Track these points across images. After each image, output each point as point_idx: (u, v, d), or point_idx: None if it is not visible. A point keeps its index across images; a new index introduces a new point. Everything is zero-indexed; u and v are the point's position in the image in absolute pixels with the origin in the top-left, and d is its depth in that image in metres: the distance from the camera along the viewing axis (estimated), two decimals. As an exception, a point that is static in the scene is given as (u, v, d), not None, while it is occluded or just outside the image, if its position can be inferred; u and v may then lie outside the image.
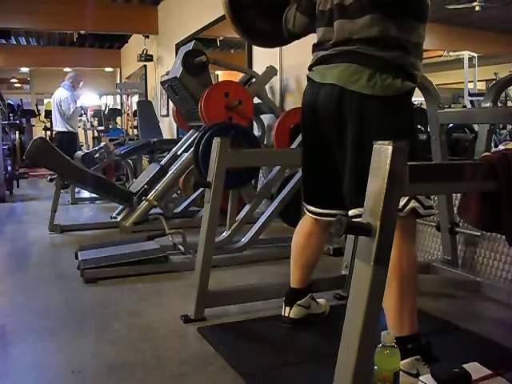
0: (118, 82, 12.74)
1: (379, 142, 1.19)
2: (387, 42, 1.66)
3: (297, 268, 2.10)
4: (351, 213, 1.70)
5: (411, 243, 1.64)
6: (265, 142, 4.68)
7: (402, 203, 1.58)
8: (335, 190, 1.80)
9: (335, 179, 1.79)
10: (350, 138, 1.70)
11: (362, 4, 1.67)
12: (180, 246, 3.17)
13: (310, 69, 1.90)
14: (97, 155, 6.49)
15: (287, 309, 2.10)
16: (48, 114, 11.08)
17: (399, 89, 1.66)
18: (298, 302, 2.09)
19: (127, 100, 11.69)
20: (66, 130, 7.30)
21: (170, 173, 4.33)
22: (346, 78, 1.69)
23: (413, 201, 1.60)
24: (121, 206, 4.60)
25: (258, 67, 4.85)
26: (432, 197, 2.76)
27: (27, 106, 11.79)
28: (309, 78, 1.89)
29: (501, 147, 2.63)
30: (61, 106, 7.25)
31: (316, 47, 1.91)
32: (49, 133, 10.78)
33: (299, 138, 3.36)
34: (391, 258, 1.44)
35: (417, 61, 1.73)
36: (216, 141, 2.17)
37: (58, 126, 7.37)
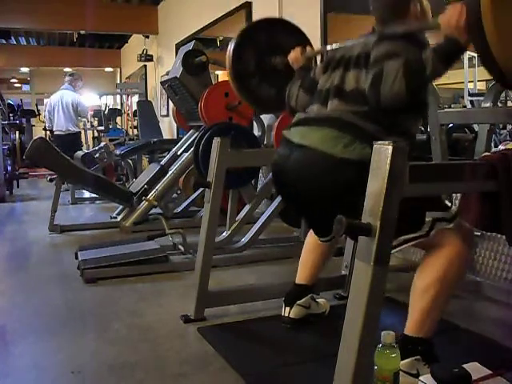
0: (118, 82, 12.74)
1: (379, 142, 1.19)
2: (378, 122, 1.63)
3: (305, 265, 2.16)
4: None
5: (459, 254, 1.59)
6: (265, 142, 4.67)
7: (426, 229, 1.57)
8: (324, 223, 1.85)
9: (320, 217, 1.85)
10: (323, 200, 1.69)
11: (363, 95, 1.64)
12: (180, 246, 3.17)
13: (288, 128, 1.87)
14: (97, 155, 6.48)
15: (287, 309, 2.10)
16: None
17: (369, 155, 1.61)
18: (298, 302, 2.10)
19: (127, 100, 11.68)
20: (76, 130, 7.51)
21: (170, 173, 4.33)
22: (325, 141, 1.64)
23: (437, 223, 1.58)
24: (121, 206, 4.60)
25: (258, 67, 4.84)
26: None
27: (27, 105, 11.80)
28: (284, 138, 1.84)
29: (501, 147, 2.62)
30: (73, 107, 7.36)
31: (301, 111, 1.94)
32: (49, 133, 10.79)
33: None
34: (438, 264, 1.55)
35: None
36: (216, 141, 2.17)
37: (68, 127, 7.42)
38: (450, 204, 1.67)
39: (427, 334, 1.59)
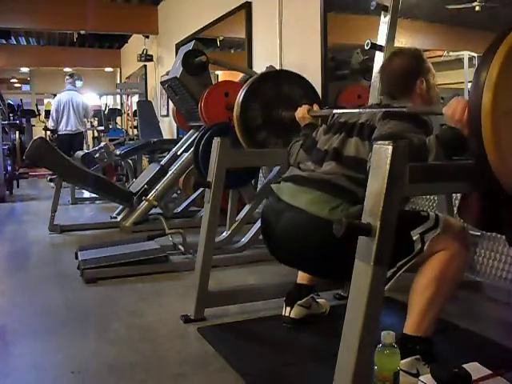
0: (118, 82, 12.74)
1: (379, 142, 1.19)
2: (357, 179, 1.65)
3: None
4: None
5: (457, 254, 1.60)
6: (265, 142, 4.67)
7: (418, 247, 1.58)
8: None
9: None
10: (311, 258, 1.72)
11: (361, 165, 1.62)
12: (180, 246, 3.17)
13: (278, 182, 1.89)
14: (97, 155, 6.48)
15: (288, 309, 2.10)
16: (48, 114, 11.09)
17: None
18: (299, 302, 2.10)
19: (127, 100, 11.69)
20: (83, 129, 7.85)
21: (170, 173, 4.33)
22: (315, 205, 1.65)
23: (424, 236, 1.58)
24: (121, 206, 4.60)
25: (258, 67, 4.84)
26: (432, 197, 2.76)
27: (27, 105, 11.79)
28: (272, 191, 1.85)
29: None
30: (83, 108, 7.68)
31: (295, 164, 2.00)
32: (49, 133, 10.79)
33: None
34: (436, 264, 1.56)
35: None
36: (216, 141, 2.17)
37: (78, 127, 7.66)
38: (426, 212, 1.66)
39: (426, 333, 1.60)
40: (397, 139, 1.48)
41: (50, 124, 7.86)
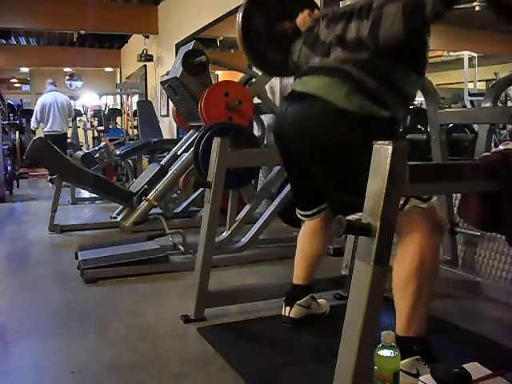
0: (118, 82, 12.74)
1: (379, 142, 1.19)
2: (378, 76, 1.65)
3: (300, 264, 2.14)
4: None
5: (430, 241, 1.57)
6: (265, 142, 4.67)
7: (400, 202, 1.54)
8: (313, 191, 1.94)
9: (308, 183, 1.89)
10: (319, 148, 1.72)
11: (362, 42, 1.68)
12: (180, 246, 3.17)
13: (294, 80, 1.92)
14: (97, 155, 6.48)
15: (287, 308, 2.10)
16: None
17: (373, 112, 1.63)
18: (298, 302, 2.10)
19: (127, 100, 11.69)
20: (66, 130, 7.94)
21: (170, 173, 4.33)
22: (326, 89, 1.68)
23: (411, 199, 1.58)
24: (121, 206, 4.60)
25: (258, 67, 4.84)
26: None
27: (27, 106, 11.79)
28: (288, 92, 1.88)
29: (501, 147, 2.62)
30: (68, 108, 7.82)
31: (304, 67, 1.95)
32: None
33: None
34: (411, 256, 1.54)
35: (401, 109, 1.73)
36: (216, 141, 2.17)
37: (63, 127, 7.80)
38: None
39: (418, 332, 1.57)
40: (392, 1, 1.56)
41: (33, 125, 7.90)
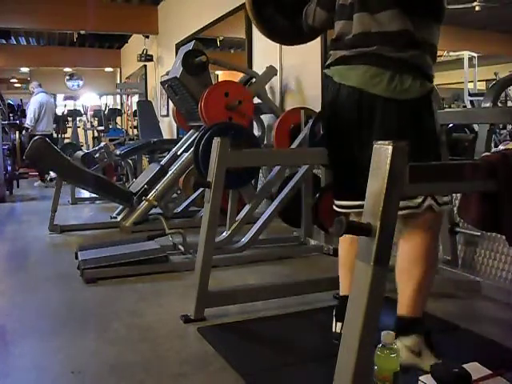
0: (118, 82, 12.74)
1: (379, 142, 1.19)
2: (405, 39, 1.67)
3: (344, 275, 1.98)
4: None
5: (436, 233, 1.74)
6: (265, 142, 4.68)
7: (418, 201, 1.65)
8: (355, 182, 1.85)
9: (355, 173, 1.82)
10: (370, 138, 1.68)
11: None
12: (180, 246, 3.17)
13: (327, 67, 1.89)
14: (97, 155, 6.49)
15: (339, 324, 1.91)
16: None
17: (418, 91, 1.68)
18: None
19: (127, 100, 11.69)
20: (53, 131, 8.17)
21: (170, 173, 4.33)
22: (366, 80, 1.69)
23: (429, 198, 1.65)
24: (121, 206, 4.60)
25: (258, 67, 4.84)
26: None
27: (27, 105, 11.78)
28: (327, 76, 1.88)
29: (501, 147, 2.62)
30: (55, 110, 8.12)
31: (334, 42, 1.91)
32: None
33: (299, 138, 3.37)
34: (419, 242, 1.66)
35: (432, 62, 1.75)
36: (216, 141, 2.17)
37: (51, 128, 8.07)
38: None
39: (419, 313, 1.69)
40: None
41: (30, 123, 7.85)
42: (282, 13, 2.24)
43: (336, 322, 1.95)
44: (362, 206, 1.85)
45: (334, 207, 1.99)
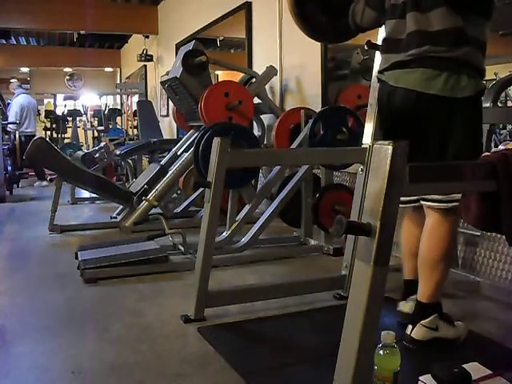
0: (118, 82, 12.74)
1: (379, 142, 1.19)
2: (457, 36, 1.72)
3: (409, 256, 2.07)
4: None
5: (455, 230, 1.91)
6: (265, 142, 4.68)
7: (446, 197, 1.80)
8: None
9: None
10: (429, 141, 1.80)
11: None
12: (180, 246, 3.17)
13: (381, 72, 1.95)
14: (97, 155, 6.49)
15: (401, 303, 2.06)
16: (48, 114, 11.10)
17: (473, 89, 1.75)
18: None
19: (127, 100, 11.70)
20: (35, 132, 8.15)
21: (170, 173, 4.33)
22: (423, 82, 1.76)
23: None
24: (121, 206, 4.60)
25: (258, 67, 4.85)
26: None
27: (27, 106, 11.76)
28: (380, 80, 1.95)
29: (501, 147, 2.63)
30: (36, 110, 8.15)
31: (385, 43, 1.96)
32: (49, 133, 10.79)
33: (299, 138, 3.37)
34: (444, 240, 1.82)
35: (483, 59, 1.80)
36: (216, 141, 2.17)
37: (34, 128, 8.06)
38: None
39: (438, 298, 1.88)
40: None
41: (13, 127, 7.71)
42: (323, 11, 2.27)
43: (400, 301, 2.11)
44: (417, 201, 2.00)
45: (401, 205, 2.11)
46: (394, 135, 1.92)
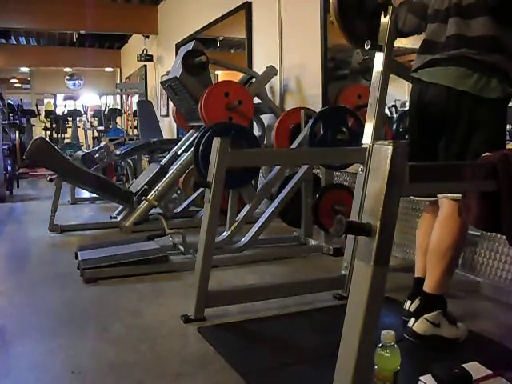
0: (118, 82, 12.75)
1: (379, 142, 1.18)
2: (494, 44, 1.81)
3: (421, 255, 2.10)
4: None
5: (466, 222, 1.87)
6: (265, 142, 4.68)
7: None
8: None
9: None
10: (455, 133, 1.88)
11: (478, 5, 1.82)
12: (180, 246, 3.17)
13: (415, 70, 2.03)
14: (97, 155, 6.49)
15: (408, 302, 2.07)
16: (48, 114, 11.11)
17: (502, 91, 1.83)
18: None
19: (127, 100, 11.70)
20: None
21: (170, 173, 4.33)
22: (455, 79, 1.85)
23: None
24: (121, 206, 4.60)
25: (258, 67, 4.85)
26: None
27: (27, 105, 11.80)
28: (414, 78, 2.03)
29: (501, 147, 2.62)
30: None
31: (424, 45, 2.03)
32: (49, 133, 10.80)
33: (299, 138, 3.37)
34: (453, 232, 1.85)
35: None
36: (216, 141, 2.17)
37: None
38: None
39: (443, 290, 1.91)
40: None
41: None
42: (362, 17, 2.39)
43: (407, 300, 2.12)
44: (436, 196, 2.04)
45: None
46: (422, 129, 2.03)
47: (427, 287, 1.91)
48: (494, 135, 1.87)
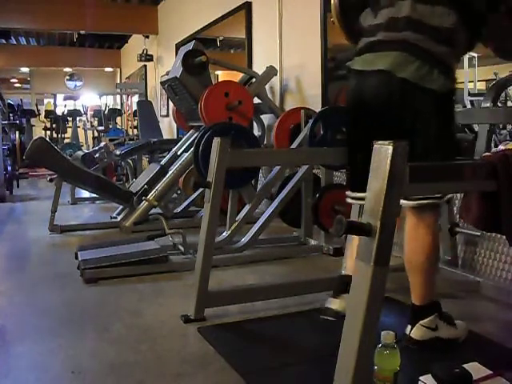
0: (118, 82, 12.75)
1: (379, 142, 1.19)
2: (445, 35, 1.72)
3: (352, 251, 2.03)
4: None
5: (433, 229, 1.84)
6: (265, 142, 4.68)
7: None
8: None
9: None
10: (395, 123, 1.77)
11: None
12: (180, 246, 3.17)
13: (355, 57, 1.92)
14: (97, 155, 6.49)
15: (330, 299, 2.09)
16: (48, 114, 11.11)
17: (443, 85, 1.73)
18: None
19: (127, 100, 11.70)
20: None
21: (169, 173, 4.33)
22: (396, 66, 1.73)
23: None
24: (121, 206, 4.60)
25: (258, 67, 4.85)
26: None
27: (27, 105, 11.80)
28: (351, 70, 1.92)
29: (501, 147, 2.63)
30: None
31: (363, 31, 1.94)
32: (49, 133, 10.80)
33: (299, 138, 3.37)
34: (427, 241, 1.78)
35: (457, 63, 1.83)
36: (216, 141, 2.17)
37: None
38: None
39: (431, 298, 1.85)
40: None
41: None
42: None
43: (332, 297, 2.12)
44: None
45: (349, 200, 2.05)
46: (363, 119, 1.89)
47: (414, 300, 1.86)
48: (440, 132, 1.75)
